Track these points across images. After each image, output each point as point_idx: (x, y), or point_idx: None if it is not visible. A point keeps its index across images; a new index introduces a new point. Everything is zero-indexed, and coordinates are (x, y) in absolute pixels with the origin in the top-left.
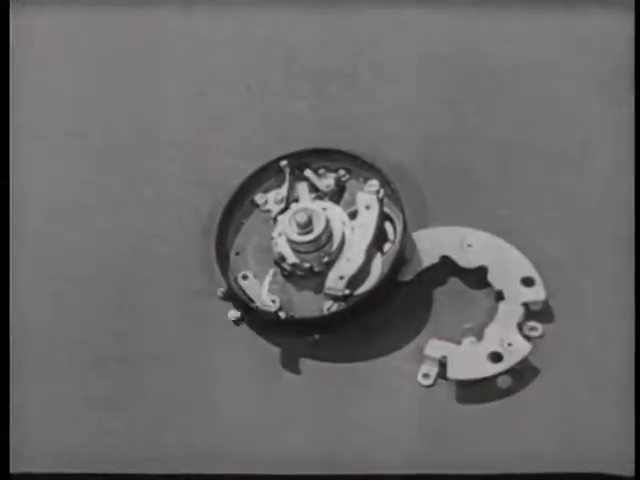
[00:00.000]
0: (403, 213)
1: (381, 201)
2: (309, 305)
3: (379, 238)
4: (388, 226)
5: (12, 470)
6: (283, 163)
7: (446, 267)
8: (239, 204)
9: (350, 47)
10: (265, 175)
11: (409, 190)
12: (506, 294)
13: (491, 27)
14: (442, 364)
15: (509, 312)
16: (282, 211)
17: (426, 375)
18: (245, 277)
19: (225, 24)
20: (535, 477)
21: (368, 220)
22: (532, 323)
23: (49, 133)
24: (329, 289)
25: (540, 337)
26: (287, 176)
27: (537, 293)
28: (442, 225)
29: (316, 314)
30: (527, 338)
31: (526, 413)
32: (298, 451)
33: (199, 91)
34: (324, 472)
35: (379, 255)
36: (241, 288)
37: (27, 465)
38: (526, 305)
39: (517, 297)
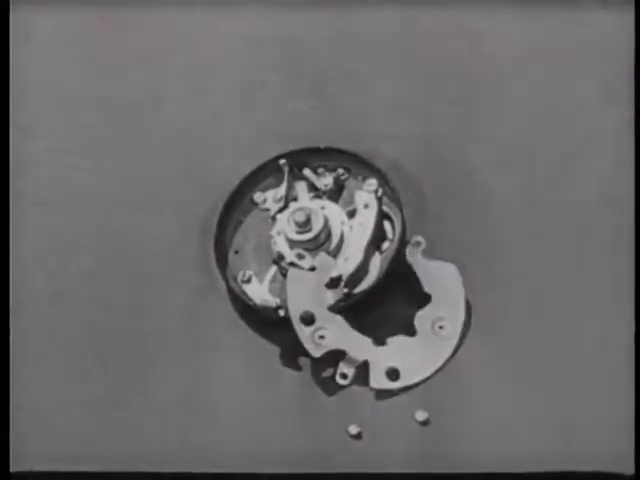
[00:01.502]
0: (402, 212)
1: (380, 200)
2: None
3: (378, 237)
4: (387, 225)
5: (12, 469)
6: (282, 162)
7: None
8: (238, 203)
9: (350, 46)
10: (264, 174)
11: (408, 189)
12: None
13: (491, 27)
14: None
15: None
16: (281, 210)
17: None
18: (247, 280)
19: (224, 23)
20: (535, 476)
21: (367, 219)
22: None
23: (49, 133)
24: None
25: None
26: (286, 175)
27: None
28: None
29: None
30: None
31: (526, 413)
32: (297, 449)
33: (198, 90)
34: (323, 470)
35: (377, 254)
36: (240, 287)
37: (27, 464)
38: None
39: None
